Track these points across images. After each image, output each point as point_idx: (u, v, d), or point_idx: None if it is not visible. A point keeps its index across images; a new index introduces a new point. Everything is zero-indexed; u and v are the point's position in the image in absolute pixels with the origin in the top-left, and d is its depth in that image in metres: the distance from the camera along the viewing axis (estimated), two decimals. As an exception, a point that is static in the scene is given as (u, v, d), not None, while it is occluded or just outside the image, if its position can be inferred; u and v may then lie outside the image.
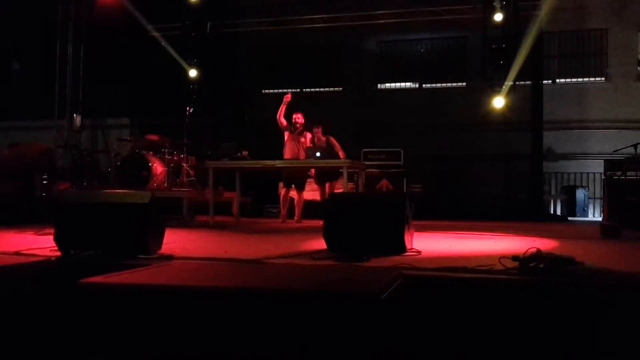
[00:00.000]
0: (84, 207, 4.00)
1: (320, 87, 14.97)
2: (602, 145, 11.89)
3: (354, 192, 8.03)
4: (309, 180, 9.10)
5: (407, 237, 4.12)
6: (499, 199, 12.54)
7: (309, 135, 8.59)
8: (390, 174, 10.69)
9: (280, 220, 8.53)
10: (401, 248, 4.02)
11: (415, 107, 13.71)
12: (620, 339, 2.71)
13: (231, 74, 14.73)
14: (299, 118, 8.51)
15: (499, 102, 11.20)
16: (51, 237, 3.93)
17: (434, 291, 3.04)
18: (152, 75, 13.05)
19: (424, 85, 14.47)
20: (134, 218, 3.80)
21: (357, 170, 8.30)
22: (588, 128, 12.99)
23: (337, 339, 2.24)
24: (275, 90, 13.95)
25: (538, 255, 3.15)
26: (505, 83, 11.06)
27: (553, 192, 12.93)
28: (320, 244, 4.20)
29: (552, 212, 12.21)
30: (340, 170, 7.73)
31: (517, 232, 6.90)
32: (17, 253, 3.83)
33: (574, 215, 11.95)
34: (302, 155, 8.31)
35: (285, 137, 8.62)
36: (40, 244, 4.35)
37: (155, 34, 12.39)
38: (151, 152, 9.09)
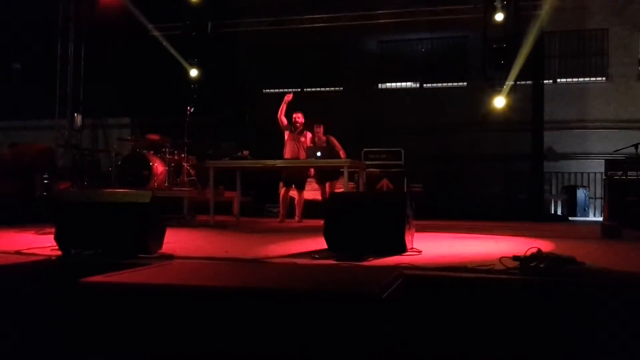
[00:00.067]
0: (85, 207, 4.00)
1: (320, 87, 14.98)
2: (603, 145, 11.88)
3: (355, 192, 8.03)
4: (309, 179, 9.10)
5: (407, 237, 4.12)
6: (499, 198, 12.54)
7: (309, 135, 8.59)
8: (390, 173, 10.69)
9: (278, 220, 8.52)
10: (402, 248, 4.02)
11: (415, 107, 13.71)
12: (621, 339, 2.71)
13: (232, 74, 14.73)
14: (299, 117, 8.52)
15: (499, 101, 11.20)
16: (52, 237, 3.93)
17: (435, 291, 3.04)
18: (152, 74, 13.05)
19: (424, 85, 14.47)
20: (134, 217, 3.80)
21: (357, 169, 8.30)
22: (588, 128, 12.99)
23: (337, 339, 2.24)
24: (276, 90, 13.96)
25: (539, 255, 3.15)
26: (506, 83, 11.06)
27: (554, 192, 12.93)
28: (320, 243, 4.20)
29: (552, 212, 12.21)
30: (341, 170, 7.73)
31: (518, 232, 6.90)
32: (17, 252, 3.83)
33: (575, 215, 11.94)
34: (302, 154, 8.31)
35: (286, 137, 8.62)
36: (41, 243, 4.35)
37: (156, 33, 12.39)
38: (152, 152, 9.09)
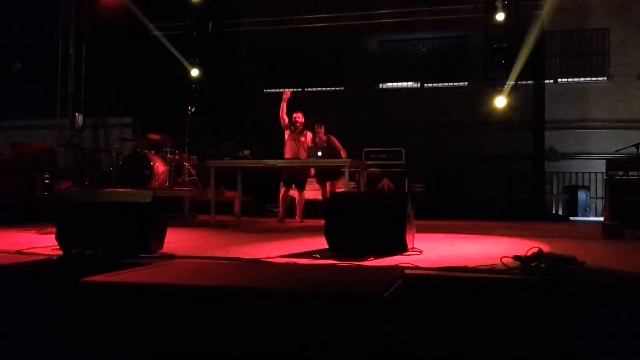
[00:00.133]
0: (86, 206, 4.00)
1: (321, 87, 14.98)
2: (604, 144, 11.88)
3: (356, 192, 8.03)
4: (310, 179, 9.11)
5: (408, 237, 4.12)
6: (500, 198, 12.54)
7: (309, 134, 8.58)
8: (391, 173, 10.68)
9: (278, 220, 8.52)
10: (402, 247, 4.02)
11: (416, 107, 13.70)
12: (621, 339, 2.71)
13: (232, 74, 14.74)
14: (299, 117, 8.51)
15: (500, 101, 11.19)
16: (53, 236, 3.93)
17: (436, 291, 3.04)
18: (153, 74, 13.06)
19: (425, 85, 14.46)
20: (135, 217, 3.81)
21: (358, 169, 8.29)
22: (589, 128, 12.98)
23: (337, 339, 2.24)
24: (277, 90, 13.96)
25: (540, 255, 3.14)
26: (507, 82, 11.04)
27: (554, 192, 12.92)
28: (321, 243, 4.20)
29: (553, 212, 12.20)
30: (342, 169, 7.73)
31: (519, 232, 6.90)
32: (19, 252, 3.83)
33: (576, 215, 11.94)
34: (302, 154, 8.32)
35: (286, 136, 8.62)
36: (42, 243, 4.35)
37: (157, 33, 12.40)
38: (153, 152, 9.09)
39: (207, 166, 8.05)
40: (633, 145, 7.39)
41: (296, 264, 3.41)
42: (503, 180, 13.03)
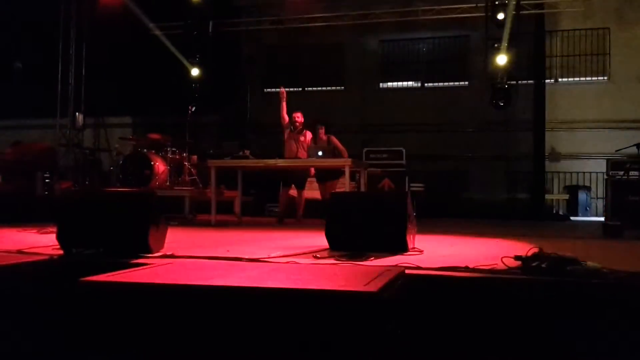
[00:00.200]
0: (86, 206, 4.00)
1: (322, 86, 14.99)
2: (605, 144, 11.87)
3: (356, 191, 8.02)
4: (310, 179, 9.11)
5: (409, 237, 4.12)
6: (501, 198, 12.54)
7: (308, 134, 8.58)
8: (392, 173, 10.68)
9: (277, 220, 8.51)
10: (403, 247, 4.02)
11: (417, 107, 13.71)
12: (623, 339, 2.71)
13: (233, 73, 14.74)
14: (298, 117, 8.51)
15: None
16: (53, 236, 3.93)
17: (436, 290, 3.03)
18: (154, 74, 13.07)
19: (426, 85, 14.47)
20: (135, 217, 3.80)
21: (359, 169, 8.29)
22: (590, 128, 12.98)
23: (338, 339, 2.24)
24: (277, 89, 13.96)
25: (540, 255, 3.13)
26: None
27: (555, 192, 12.92)
28: (321, 242, 4.20)
29: (554, 211, 12.21)
30: (342, 169, 7.72)
31: (519, 231, 6.89)
32: (19, 252, 3.83)
33: (576, 215, 11.94)
34: (302, 154, 8.32)
35: (285, 136, 8.61)
36: (43, 242, 4.35)
37: (157, 32, 12.40)
38: (153, 151, 9.09)
39: (208, 166, 8.05)
40: (633, 145, 7.40)
41: (296, 264, 3.41)
42: (504, 180, 13.03)
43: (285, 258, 3.69)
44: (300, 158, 8.23)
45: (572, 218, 11.31)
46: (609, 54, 13.21)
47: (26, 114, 14.91)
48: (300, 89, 14.47)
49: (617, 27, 13.10)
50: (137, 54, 13.39)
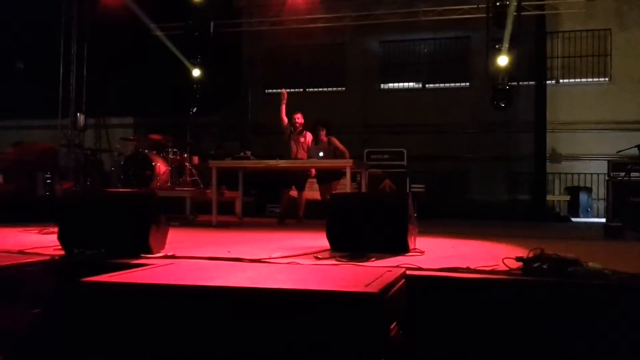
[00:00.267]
0: (88, 206, 4.01)
1: (322, 87, 14.99)
2: (606, 146, 11.86)
3: (357, 192, 8.02)
4: (310, 180, 9.11)
5: (410, 238, 4.12)
6: (501, 199, 12.53)
7: (308, 135, 8.58)
8: (393, 174, 10.68)
9: (278, 220, 8.51)
10: (404, 248, 4.02)
11: (418, 107, 13.71)
12: (624, 340, 2.70)
13: (234, 74, 14.76)
14: (298, 118, 8.51)
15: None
16: (55, 236, 3.94)
17: (438, 291, 3.03)
18: (155, 74, 13.08)
19: (427, 86, 14.46)
20: (136, 217, 3.81)
21: (359, 170, 8.29)
22: (591, 129, 12.96)
23: (339, 340, 2.24)
24: (278, 90, 13.97)
25: (542, 256, 3.13)
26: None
27: (556, 193, 12.92)
28: (322, 243, 4.20)
29: (555, 212, 12.20)
30: (343, 170, 7.72)
31: (520, 232, 6.89)
32: (20, 252, 3.83)
33: (577, 216, 11.93)
34: (302, 155, 8.32)
35: (285, 137, 8.61)
36: (44, 242, 4.35)
37: (159, 33, 12.41)
38: (154, 152, 9.10)
39: (209, 166, 8.05)
40: (635, 147, 7.38)
41: (298, 264, 3.41)
42: (504, 181, 13.03)
43: (286, 259, 3.69)
44: (300, 159, 8.23)
45: (573, 219, 11.31)
46: (610, 55, 13.20)
47: (27, 114, 14.93)
48: (301, 89, 14.47)
49: (618, 28, 13.09)
50: (138, 54, 13.41)
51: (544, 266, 3.02)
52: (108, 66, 13.23)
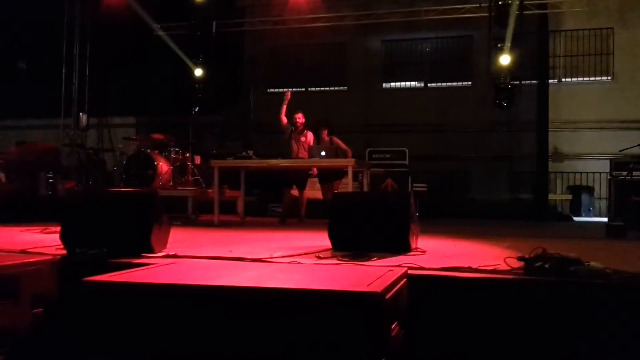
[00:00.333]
0: (90, 206, 4.01)
1: (324, 87, 14.99)
2: (608, 145, 11.83)
3: (359, 192, 8.02)
4: (312, 179, 9.11)
5: (412, 237, 4.11)
6: (503, 198, 12.52)
7: (309, 134, 8.57)
8: (395, 173, 10.67)
9: (279, 220, 8.52)
10: (406, 247, 4.02)
11: (420, 107, 13.71)
12: (626, 340, 2.70)
13: (236, 73, 14.77)
14: (299, 118, 8.51)
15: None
16: (57, 236, 3.94)
17: (439, 291, 3.03)
18: (157, 74, 13.09)
19: (429, 85, 14.45)
20: (138, 217, 3.81)
21: (361, 169, 8.29)
22: (593, 128, 12.94)
23: (341, 339, 2.24)
24: (280, 90, 13.99)
25: (544, 255, 3.13)
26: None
27: (558, 192, 12.90)
28: (324, 243, 4.20)
29: (557, 212, 12.19)
30: (345, 170, 7.72)
31: (522, 232, 6.88)
32: (23, 251, 3.84)
33: (579, 215, 11.92)
34: (303, 154, 8.32)
35: (286, 137, 8.61)
36: (46, 242, 4.36)
37: (161, 33, 12.42)
38: (156, 151, 9.11)
39: (211, 166, 8.05)
40: (637, 145, 7.37)
41: (299, 264, 3.41)
42: (507, 181, 13.01)
43: (288, 258, 3.69)
44: (301, 158, 8.24)
45: (575, 218, 11.29)
46: (613, 54, 13.17)
47: (30, 114, 14.96)
48: (303, 89, 14.47)
49: (620, 27, 13.06)
50: (140, 54, 13.43)
51: (546, 265, 3.01)
52: (110, 66, 13.25)
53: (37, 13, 14.17)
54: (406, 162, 10.87)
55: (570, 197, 12.46)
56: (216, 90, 12.83)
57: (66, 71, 12.55)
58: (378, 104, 14.03)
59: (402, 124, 13.22)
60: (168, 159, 9.05)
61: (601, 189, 12.41)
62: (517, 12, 10.55)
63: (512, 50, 10.76)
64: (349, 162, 7.54)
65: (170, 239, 4.09)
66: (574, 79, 13.46)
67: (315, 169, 8.59)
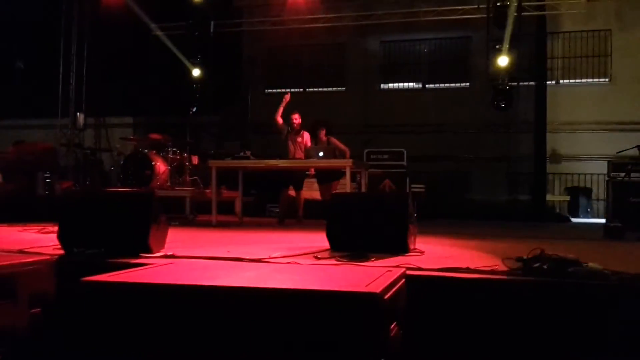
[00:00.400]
0: (87, 206, 4.00)
1: (323, 87, 14.98)
2: (606, 146, 11.85)
3: (357, 192, 8.02)
4: (311, 179, 9.10)
5: (410, 238, 4.11)
6: (501, 199, 12.53)
7: (305, 134, 8.56)
8: (393, 174, 10.67)
9: (278, 220, 8.51)
10: (404, 248, 4.02)
11: (418, 108, 13.71)
12: (624, 341, 2.70)
13: (234, 73, 14.75)
14: (296, 118, 8.50)
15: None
16: (54, 236, 3.93)
17: (437, 291, 3.03)
18: (155, 74, 13.08)
19: (427, 86, 14.46)
20: (136, 217, 3.81)
21: (359, 170, 8.29)
22: (591, 129, 12.96)
23: (339, 340, 2.24)
24: (278, 90, 13.98)
25: (542, 256, 3.13)
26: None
27: (556, 193, 12.92)
28: (322, 243, 4.20)
29: (555, 213, 12.20)
30: (343, 170, 7.72)
31: (520, 232, 6.89)
32: (20, 251, 3.83)
33: (577, 217, 11.93)
34: (299, 154, 8.32)
35: (282, 137, 8.60)
36: (44, 242, 4.35)
37: (159, 33, 12.41)
38: (154, 151, 9.10)
39: (209, 166, 8.05)
40: (635, 147, 7.39)
41: (297, 264, 3.40)
42: (504, 182, 13.02)
43: (286, 258, 3.69)
44: (298, 159, 8.23)
45: (573, 220, 11.31)
46: (610, 55, 13.20)
47: (27, 114, 14.93)
48: (301, 89, 14.46)
49: (618, 28, 13.09)
50: (138, 54, 13.40)
51: (544, 266, 3.02)
52: (108, 66, 13.24)
53: (34, 13, 14.15)
54: (404, 162, 10.87)
55: (568, 198, 12.47)
56: (214, 90, 12.82)
57: (63, 71, 12.55)
58: (376, 104, 14.03)
59: (401, 124, 13.23)
60: (166, 159, 9.04)
61: (599, 191, 12.42)
62: (516, 14, 10.57)
63: (510, 51, 10.77)
64: (346, 163, 7.54)
65: (168, 239, 4.08)
66: (571, 81, 13.48)
67: (312, 169, 8.58)
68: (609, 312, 2.76)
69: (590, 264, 3.04)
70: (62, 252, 3.77)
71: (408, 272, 3.05)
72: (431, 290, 3.03)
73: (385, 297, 2.35)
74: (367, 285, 2.41)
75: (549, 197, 12.16)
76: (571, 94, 13.26)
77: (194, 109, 9.87)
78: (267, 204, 10.80)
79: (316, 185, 9.09)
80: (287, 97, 8.48)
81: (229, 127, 14.56)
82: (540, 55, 11.81)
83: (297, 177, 8.56)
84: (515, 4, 10.53)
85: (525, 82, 11.66)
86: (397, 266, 3.21)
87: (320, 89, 14.88)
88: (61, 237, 3.83)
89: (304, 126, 8.56)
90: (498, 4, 10.84)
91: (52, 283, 3.32)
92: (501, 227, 8.08)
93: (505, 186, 12.97)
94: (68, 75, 12.59)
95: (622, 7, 13.02)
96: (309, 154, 8.12)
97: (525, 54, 11.41)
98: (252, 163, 8.01)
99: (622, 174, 7.88)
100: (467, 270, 3.18)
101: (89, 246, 3.79)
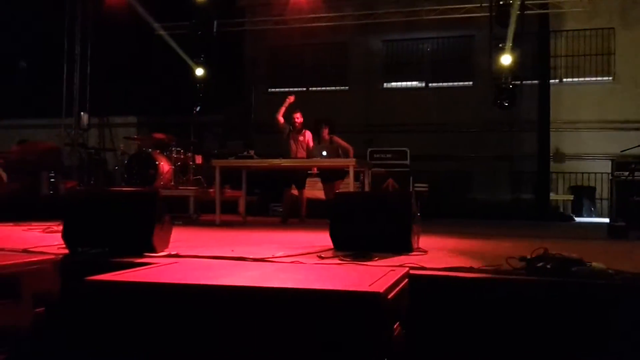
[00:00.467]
0: (91, 205, 4.02)
1: (325, 86, 14.98)
2: (609, 145, 11.81)
3: (360, 191, 8.02)
4: (314, 179, 9.10)
5: (413, 237, 4.11)
6: (505, 198, 12.52)
7: (307, 133, 8.56)
8: (396, 173, 10.67)
9: (281, 219, 8.52)
10: (407, 247, 4.02)
11: (421, 107, 13.70)
12: (627, 340, 2.70)
13: (237, 73, 14.76)
14: (298, 117, 8.50)
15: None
16: (59, 235, 3.95)
17: (441, 291, 3.03)
18: (158, 73, 13.09)
19: (430, 85, 14.44)
20: (140, 216, 3.82)
21: (363, 169, 8.29)
22: (595, 128, 12.92)
23: (343, 339, 2.24)
24: (281, 89, 13.98)
25: (545, 256, 3.13)
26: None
27: (560, 192, 12.89)
28: (326, 242, 4.20)
29: (558, 212, 12.18)
30: (346, 169, 7.72)
31: (524, 232, 6.88)
32: (25, 250, 3.85)
33: (581, 216, 11.91)
34: (301, 153, 8.32)
35: (284, 136, 8.61)
36: (48, 241, 4.37)
37: (162, 32, 12.42)
38: (158, 151, 9.11)
39: (212, 165, 8.06)
40: (639, 146, 7.36)
41: (301, 264, 3.41)
42: (508, 181, 13.00)
43: (290, 258, 3.70)
44: (300, 158, 8.23)
45: (576, 219, 11.28)
46: (614, 54, 13.16)
47: (31, 113, 14.97)
48: (303, 88, 14.46)
49: (622, 27, 13.05)
50: (141, 53, 13.43)
51: (548, 266, 3.01)
52: (111, 65, 13.27)
53: (38, 12, 14.18)
54: (407, 162, 10.87)
55: (571, 197, 12.45)
56: (217, 89, 12.83)
57: (67, 70, 12.56)
58: (379, 103, 14.03)
59: (403, 123, 13.22)
60: (169, 158, 9.05)
61: (603, 190, 12.39)
62: (518, 12, 10.54)
63: (513, 50, 10.74)
64: (350, 162, 7.54)
65: (172, 239, 4.09)
66: (575, 79, 13.44)
67: (315, 168, 8.58)
68: (613, 312, 2.75)
69: (594, 264, 3.04)
70: (66, 251, 3.79)
71: (411, 271, 3.05)
72: (434, 289, 3.03)
73: (389, 296, 2.36)
74: (370, 285, 2.41)
75: (552, 196, 12.13)
76: (575, 92, 13.22)
77: (198, 109, 9.87)
78: (270, 203, 10.81)
79: (319, 185, 9.09)
80: (291, 98, 8.48)
81: (233, 127, 14.58)
82: (544, 53, 11.78)
83: (299, 177, 8.56)
84: (518, 3, 10.50)
85: (529, 80, 11.64)
86: (401, 265, 3.22)
87: (322, 88, 14.88)
88: (65, 236, 3.85)
89: (305, 125, 8.56)
90: (501, 3, 10.81)
91: (57, 282, 3.34)
92: (504, 226, 8.08)
93: (509, 185, 12.95)
94: (72, 75, 12.60)
95: (626, 5, 12.98)
96: (312, 153, 8.12)
97: (528, 52, 11.39)
98: (256, 162, 8.02)
99: (626, 173, 7.86)
100: (471, 269, 3.19)
101: (94, 245, 3.80)
